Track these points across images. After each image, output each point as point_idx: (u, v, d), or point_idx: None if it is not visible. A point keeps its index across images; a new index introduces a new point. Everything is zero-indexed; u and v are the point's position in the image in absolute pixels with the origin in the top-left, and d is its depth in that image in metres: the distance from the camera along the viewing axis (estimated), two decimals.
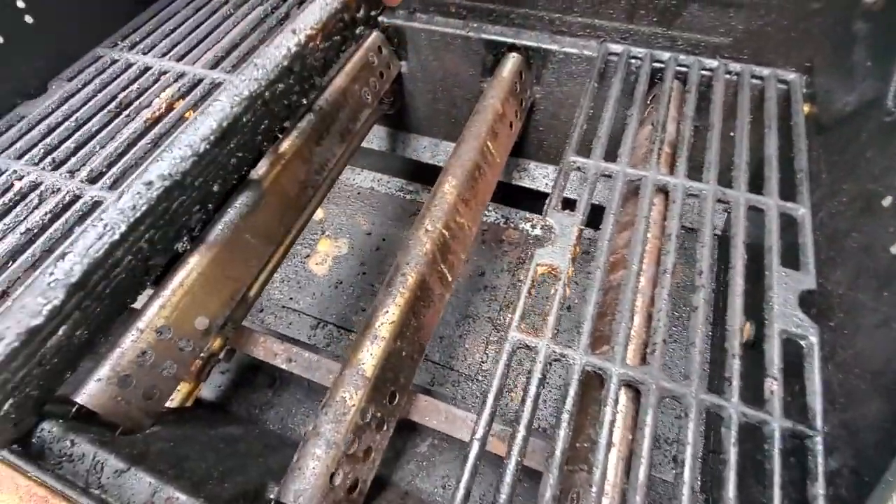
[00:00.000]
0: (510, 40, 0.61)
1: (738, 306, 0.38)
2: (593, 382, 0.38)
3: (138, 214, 0.15)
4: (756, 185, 0.46)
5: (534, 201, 0.81)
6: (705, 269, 0.40)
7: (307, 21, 0.22)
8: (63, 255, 0.14)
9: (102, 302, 0.22)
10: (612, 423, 0.34)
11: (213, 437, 0.45)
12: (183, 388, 0.51)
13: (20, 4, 0.56)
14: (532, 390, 0.35)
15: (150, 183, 0.16)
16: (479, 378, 0.67)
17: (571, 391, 0.35)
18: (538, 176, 0.74)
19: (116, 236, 0.15)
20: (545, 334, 0.38)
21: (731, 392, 0.35)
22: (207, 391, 0.57)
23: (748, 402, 0.35)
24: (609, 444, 0.33)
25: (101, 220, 0.15)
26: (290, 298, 0.76)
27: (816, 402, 0.35)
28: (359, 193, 0.88)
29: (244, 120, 0.20)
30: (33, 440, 0.37)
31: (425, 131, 0.78)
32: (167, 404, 0.47)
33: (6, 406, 0.26)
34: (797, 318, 0.38)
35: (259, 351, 0.51)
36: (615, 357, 0.36)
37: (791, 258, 0.42)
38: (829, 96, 0.48)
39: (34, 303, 0.14)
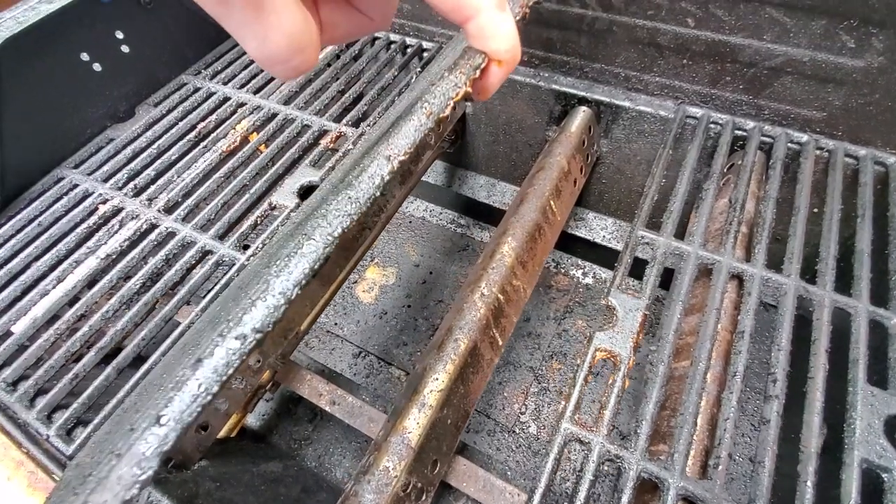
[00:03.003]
0: (581, 93, 0.60)
1: (815, 425, 0.35)
2: (646, 486, 0.36)
3: (231, 371, 0.16)
4: (844, 281, 0.43)
5: (587, 248, 0.79)
6: (780, 378, 0.37)
7: (401, 146, 0.21)
8: (158, 419, 0.15)
9: None
10: None
11: (255, 475, 0.46)
12: (231, 418, 0.53)
13: (119, 35, 0.60)
14: (582, 494, 0.34)
15: (244, 337, 0.16)
16: (516, 430, 0.66)
17: (625, 499, 0.33)
18: (596, 227, 0.72)
19: (209, 398, 0.15)
20: (600, 430, 0.36)
21: None
22: (252, 418, 0.59)
23: None
24: None
25: (197, 379, 0.15)
26: (335, 324, 0.77)
27: None
28: (410, 222, 0.89)
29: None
30: None
31: (483, 170, 0.78)
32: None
33: None
34: (881, 446, 0.35)
35: (304, 389, 0.52)
36: (674, 466, 0.34)
37: (878, 372, 0.38)
38: None
39: (130, 474, 0.14)
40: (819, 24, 0.45)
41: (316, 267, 0.17)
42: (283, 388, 0.58)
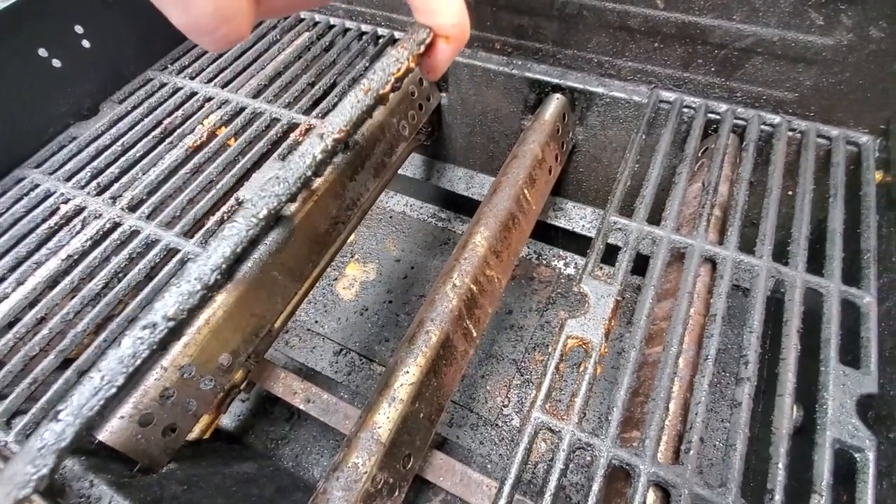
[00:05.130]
0: (555, 81, 0.59)
1: (786, 406, 0.35)
2: (619, 473, 0.36)
3: (138, 362, 0.15)
4: (816, 262, 0.42)
5: (568, 238, 0.79)
6: (752, 360, 0.37)
7: (335, 123, 0.20)
8: (56, 415, 0.14)
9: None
10: None
11: (227, 476, 0.45)
12: (203, 419, 0.52)
13: (78, 30, 0.58)
14: (552, 482, 0.33)
15: (153, 325, 0.15)
16: (499, 423, 0.66)
17: (595, 487, 0.33)
18: (575, 217, 0.71)
19: (113, 390, 0.14)
20: (571, 418, 0.36)
21: None
22: (227, 419, 0.58)
23: None
24: None
25: (99, 371, 0.14)
26: (316, 322, 0.76)
27: None
28: (391, 217, 0.88)
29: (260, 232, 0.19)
30: (56, 476, 0.38)
31: (461, 162, 0.77)
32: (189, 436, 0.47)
33: None
34: (853, 425, 0.34)
35: (278, 388, 0.51)
36: (645, 452, 0.34)
37: (851, 351, 0.38)
38: None
39: (23, 472, 0.13)
40: (787, 2, 0.45)
41: (238, 250, 0.16)
42: (258, 387, 0.57)
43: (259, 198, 0.18)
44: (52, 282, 0.47)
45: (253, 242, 0.18)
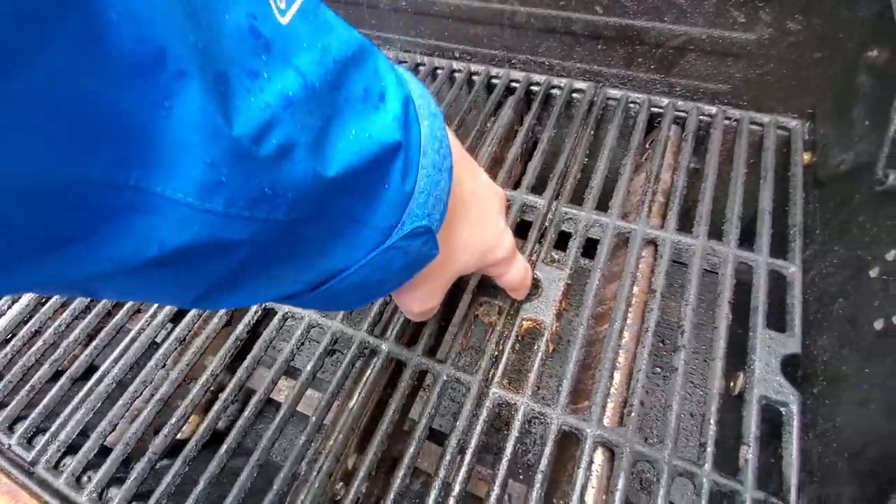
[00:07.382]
0: (512, 84, 0.63)
1: (718, 369, 0.39)
2: (571, 438, 0.39)
3: None
4: (749, 238, 0.46)
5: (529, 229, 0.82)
6: (687, 329, 0.40)
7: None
8: None
9: None
10: (584, 486, 0.35)
11: (217, 469, 0.48)
12: (193, 420, 0.55)
13: None
14: (508, 448, 0.37)
15: None
16: None
17: (547, 450, 0.36)
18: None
19: None
20: (525, 391, 0.39)
21: (704, 458, 0.35)
22: (215, 417, 0.61)
23: (722, 469, 0.35)
24: None
25: None
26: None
27: (792, 474, 0.35)
28: None
29: None
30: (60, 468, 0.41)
31: None
32: (178, 436, 0.50)
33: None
34: (778, 383, 0.38)
35: (263, 385, 0.54)
36: (592, 418, 0.37)
37: (778, 317, 0.42)
38: (828, 150, 0.47)
39: None
40: (710, 3, 0.49)
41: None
42: (246, 387, 0.60)
43: None
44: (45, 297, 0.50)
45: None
